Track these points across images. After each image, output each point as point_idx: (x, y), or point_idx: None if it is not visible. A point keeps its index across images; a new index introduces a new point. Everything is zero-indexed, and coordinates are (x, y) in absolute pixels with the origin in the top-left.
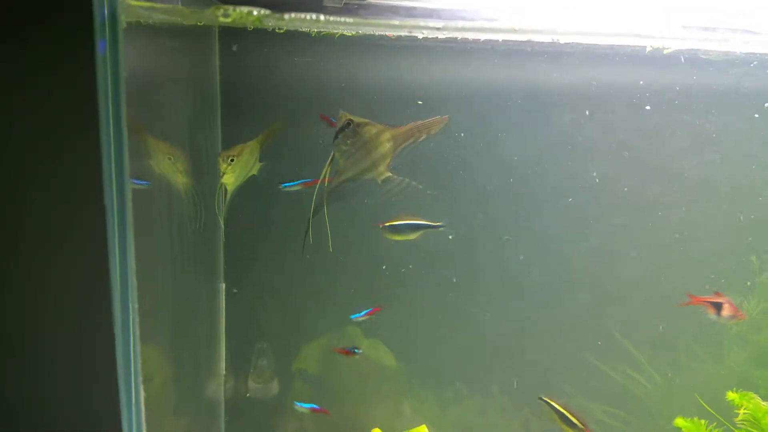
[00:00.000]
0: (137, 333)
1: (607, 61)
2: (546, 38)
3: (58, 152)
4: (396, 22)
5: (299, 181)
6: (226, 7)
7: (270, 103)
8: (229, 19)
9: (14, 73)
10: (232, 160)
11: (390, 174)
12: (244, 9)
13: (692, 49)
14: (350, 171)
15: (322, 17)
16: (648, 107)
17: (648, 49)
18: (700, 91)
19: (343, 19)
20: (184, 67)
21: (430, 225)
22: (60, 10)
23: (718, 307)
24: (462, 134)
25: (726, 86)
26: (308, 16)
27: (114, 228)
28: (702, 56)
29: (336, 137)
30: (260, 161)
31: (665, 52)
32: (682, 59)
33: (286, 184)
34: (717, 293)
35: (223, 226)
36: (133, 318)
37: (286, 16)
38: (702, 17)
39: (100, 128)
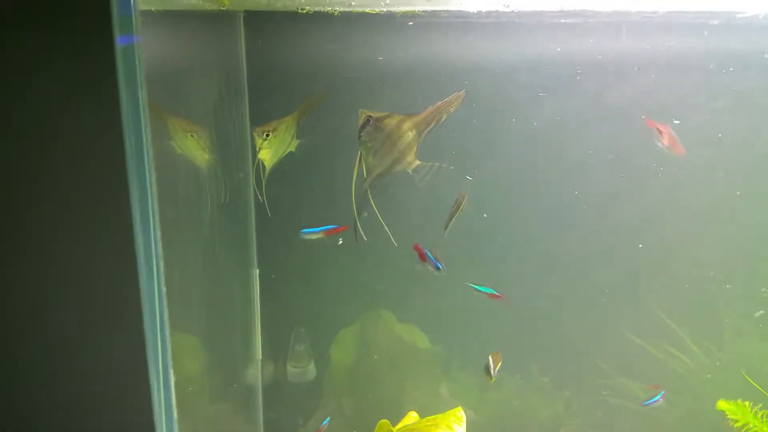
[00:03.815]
0: (166, 318)
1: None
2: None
3: (80, 133)
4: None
5: (321, 228)
6: None
7: (297, 83)
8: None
9: (35, 60)
10: (267, 135)
11: (419, 162)
12: None
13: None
14: (380, 166)
15: None
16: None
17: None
18: (735, 54)
19: None
20: (209, 50)
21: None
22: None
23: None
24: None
25: None
26: None
27: (138, 212)
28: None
29: (359, 136)
30: (297, 138)
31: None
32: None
33: (306, 230)
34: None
35: (264, 199)
36: (162, 303)
37: None
38: None
39: (121, 111)
